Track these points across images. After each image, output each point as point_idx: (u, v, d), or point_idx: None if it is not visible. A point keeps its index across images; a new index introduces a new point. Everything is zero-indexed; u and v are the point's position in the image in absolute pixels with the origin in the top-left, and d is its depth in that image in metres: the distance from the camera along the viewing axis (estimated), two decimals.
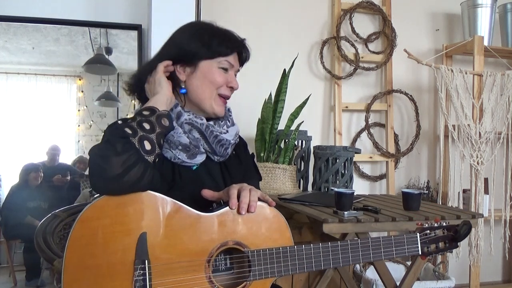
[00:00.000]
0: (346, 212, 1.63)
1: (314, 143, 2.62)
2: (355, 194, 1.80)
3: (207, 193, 1.07)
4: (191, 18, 2.32)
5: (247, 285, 1.01)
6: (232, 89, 1.22)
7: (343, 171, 2.33)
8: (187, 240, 0.98)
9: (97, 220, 0.93)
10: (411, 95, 2.95)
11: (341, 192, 1.66)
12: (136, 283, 0.92)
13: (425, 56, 2.93)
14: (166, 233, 0.97)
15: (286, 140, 2.37)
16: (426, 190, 2.92)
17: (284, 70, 2.30)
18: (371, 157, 2.89)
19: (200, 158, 1.17)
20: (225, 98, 1.22)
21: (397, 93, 2.94)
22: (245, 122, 2.20)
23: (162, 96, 1.11)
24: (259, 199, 1.04)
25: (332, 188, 2.06)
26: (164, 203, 0.98)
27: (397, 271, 2.51)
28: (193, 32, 1.20)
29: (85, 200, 2.71)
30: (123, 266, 0.93)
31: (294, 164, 2.40)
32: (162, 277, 0.95)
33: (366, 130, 2.88)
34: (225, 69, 1.19)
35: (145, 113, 1.05)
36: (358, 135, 2.92)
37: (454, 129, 2.67)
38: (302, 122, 2.37)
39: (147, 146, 0.99)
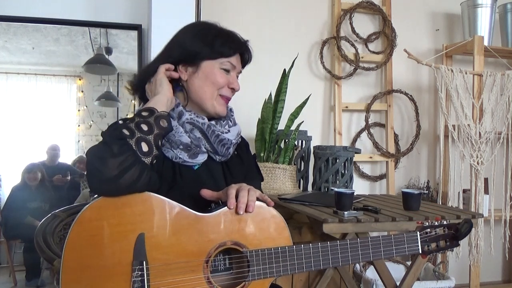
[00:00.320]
0: (346, 212, 1.63)
1: (314, 143, 2.62)
2: (355, 194, 1.80)
3: (206, 193, 1.07)
4: (191, 18, 2.32)
5: (246, 285, 1.01)
6: (233, 90, 1.22)
7: (343, 171, 2.33)
8: (185, 241, 0.98)
9: (95, 221, 0.93)
10: (411, 95, 2.95)
11: (341, 192, 1.66)
12: (134, 284, 0.92)
13: (425, 56, 2.93)
14: (164, 234, 0.97)
15: (286, 140, 2.37)
16: (426, 190, 2.92)
17: (284, 70, 2.30)
18: (371, 157, 2.89)
19: (202, 158, 1.17)
20: (227, 99, 1.22)
21: (397, 93, 2.93)
22: (245, 122, 2.19)
23: (162, 97, 1.11)
24: (258, 199, 1.03)
25: (332, 188, 2.06)
26: (162, 204, 0.98)
27: (397, 271, 2.50)
28: (196, 32, 1.20)
29: (85, 200, 2.71)
30: (121, 267, 0.93)
31: (294, 164, 2.40)
32: (160, 278, 0.95)
33: (366, 130, 2.88)
34: (227, 70, 1.19)
35: (144, 114, 1.05)
36: (358, 135, 2.92)
37: (454, 129, 2.66)
38: (302, 122, 2.37)
39: (144, 147, 0.99)
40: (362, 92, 2.94)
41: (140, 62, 2.50)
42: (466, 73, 2.67)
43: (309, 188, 2.50)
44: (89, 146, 0.98)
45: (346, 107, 2.86)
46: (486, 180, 2.70)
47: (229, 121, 1.25)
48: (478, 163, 2.62)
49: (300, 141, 2.46)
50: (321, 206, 1.84)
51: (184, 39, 1.20)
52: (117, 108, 2.97)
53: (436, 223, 1.20)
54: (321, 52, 2.81)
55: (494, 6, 2.85)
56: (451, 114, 2.73)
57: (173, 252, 0.97)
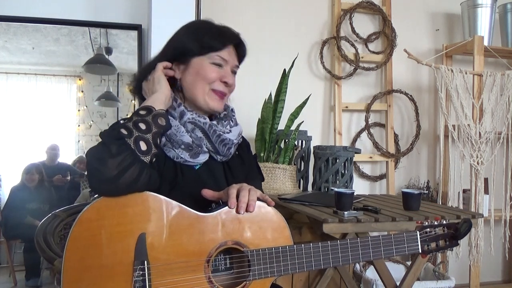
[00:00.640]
0: (346, 212, 1.63)
1: (314, 143, 2.62)
2: (355, 194, 1.80)
3: (207, 192, 1.07)
4: (191, 18, 2.32)
5: (246, 285, 1.01)
6: (226, 84, 1.20)
7: (343, 171, 2.33)
8: (186, 241, 0.98)
9: (96, 221, 0.93)
10: (411, 95, 2.95)
11: (341, 192, 1.66)
12: (135, 284, 0.92)
13: (425, 56, 2.93)
14: (165, 234, 0.97)
15: (286, 140, 2.37)
16: (426, 190, 2.92)
17: (284, 70, 2.30)
18: (371, 157, 2.89)
19: (203, 158, 1.17)
20: (221, 93, 1.20)
21: (397, 93, 2.94)
22: (245, 122, 2.18)
23: (160, 95, 1.10)
24: (259, 199, 1.04)
25: (332, 188, 2.06)
26: (163, 203, 0.98)
27: (397, 271, 2.50)
28: (187, 30, 1.21)
29: (85, 200, 2.71)
30: (123, 267, 0.93)
31: (294, 164, 2.40)
32: (161, 278, 0.95)
33: (366, 130, 2.88)
34: (219, 65, 1.18)
35: (142, 112, 1.05)
36: (358, 135, 2.92)
37: (454, 129, 2.67)
38: (302, 122, 2.37)
39: (143, 146, 0.99)
40: (362, 92, 2.95)
41: (140, 62, 2.51)
42: (466, 73, 2.68)
43: (309, 188, 2.50)
44: (89, 146, 0.98)
45: (346, 107, 2.86)
46: (486, 180, 2.70)
47: (230, 121, 1.25)
48: (478, 163, 2.62)
49: (300, 141, 2.46)
50: (321, 206, 1.84)
51: (177, 38, 1.21)
52: (117, 108, 2.97)
53: (436, 223, 1.20)
54: (321, 52, 2.81)
55: (494, 6, 2.85)
56: (451, 114, 2.73)
57: (174, 252, 0.97)
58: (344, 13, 2.83)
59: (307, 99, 2.36)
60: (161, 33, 2.24)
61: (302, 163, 2.49)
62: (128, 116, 1.06)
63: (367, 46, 2.91)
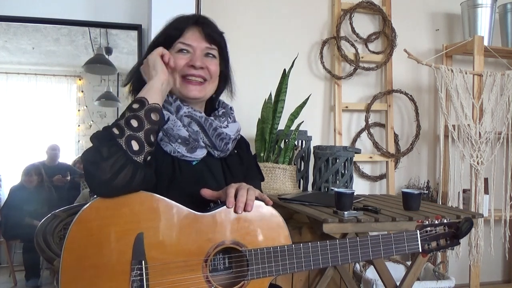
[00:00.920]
0: (346, 212, 1.63)
1: (314, 143, 2.61)
2: (355, 194, 1.80)
3: (207, 192, 1.06)
4: None
5: (245, 284, 1.01)
6: (194, 67, 1.15)
7: (343, 171, 2.33)
8: (184, 240, 0.98)
9: (94, 221, 0.93)
10: (411, 95, 2.94)
11: (341, 192, 1.65)
12: (133, 283, 0.92)
13: (425, 56, 2.93)
14: (163, 234, 0.97)
15: (286, 140, 2.37)
16: (426, 190, 2.92)
17: (284, 70, 2.30)
18: (371, 157, 2.89)
19: (201, 153, 1.17)
20: (194, 79, 1.16)
21: (397, 93, 2.93)
22: (245, 122, 2.19)
23: (156, 82, 1.07)
24: (257, 198, 1.03)
25: (332, 188, 2.06)
26: (161, 203, 0.98)
27: (397, 271, 2.50)
28: (161, 30, 1.24)
29: (85, 200, 2.71)
30: (120, 267, 0.93)
31: (294, 164, 2.40)
32: (159, 277, 0.95)
33: (366, 130, 2.87)
34: (185, 51, 1.17)
35: (135, 106, 1.01)
36: (358, 135, 2.92)
37: (454, 129, 2.66)
38: (302, 122, 2.37)
39: (135, 146, 0.97)
40: (362, 92, 2.94)
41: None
42: (466, 73, 2.67)
43: (309, 188, 2.50)
44: (89, 146, 0.98)
45: (346, 107, 2.86)
46: (486, 180, 2.70)
47: (228, 117, 1.24)
48: (478, 163, 2.62)
49: (300, 141, 2.46)
50: (321, 206, 1.84)
51: (154, 39, 1.24)
52: (117, 108, 2.97)
53: (437, 222, 1.19)
54: (321, 52, 2.81)
55: (494, 6, 2.85)
56: (451, 114, 2.73)
57: (172, 252, 0.97)
58: (344, 13, 2.83)
59: (307, 99, 2.36)
60: None
61: (302, 163, 2.49)
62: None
63: (367, 46, 2.91)
